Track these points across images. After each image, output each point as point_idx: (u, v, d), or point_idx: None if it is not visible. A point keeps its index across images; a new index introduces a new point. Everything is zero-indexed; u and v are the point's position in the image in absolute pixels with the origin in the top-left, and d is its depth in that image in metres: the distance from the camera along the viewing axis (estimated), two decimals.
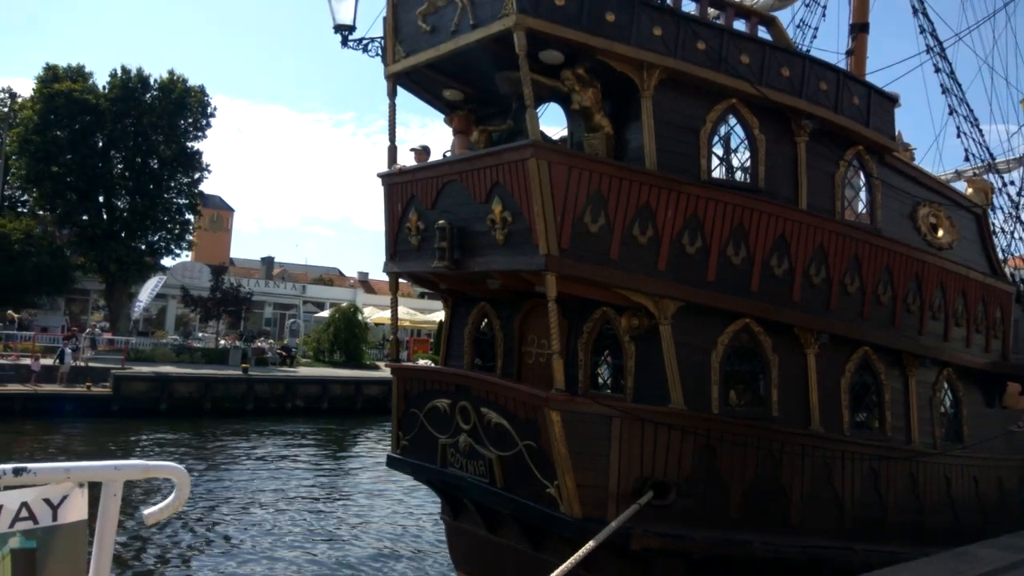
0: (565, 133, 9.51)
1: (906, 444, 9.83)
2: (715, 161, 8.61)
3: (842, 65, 11.42)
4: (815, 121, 8.89)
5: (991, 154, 13.43)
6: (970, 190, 11.89)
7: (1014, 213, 14.41)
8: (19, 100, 40.94)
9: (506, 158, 7.71)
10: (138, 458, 20.60)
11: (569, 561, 7.05)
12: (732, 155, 8.79)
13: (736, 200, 8.32)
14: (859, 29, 12.14)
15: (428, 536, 14.40)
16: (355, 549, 13.52)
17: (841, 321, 9.12)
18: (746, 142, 8.73)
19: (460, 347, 10.30)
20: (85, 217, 37.61)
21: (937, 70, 12.41)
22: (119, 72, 37.96)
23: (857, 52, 12.05)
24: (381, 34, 9.00)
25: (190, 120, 39.55)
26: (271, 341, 42.03)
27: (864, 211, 9.83)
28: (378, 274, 53.43)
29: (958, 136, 12.74)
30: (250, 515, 15.32)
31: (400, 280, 9.94)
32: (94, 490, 2.61)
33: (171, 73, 38.97)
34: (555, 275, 7.45)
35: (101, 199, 38.09)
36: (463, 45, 7.97)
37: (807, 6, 14.20)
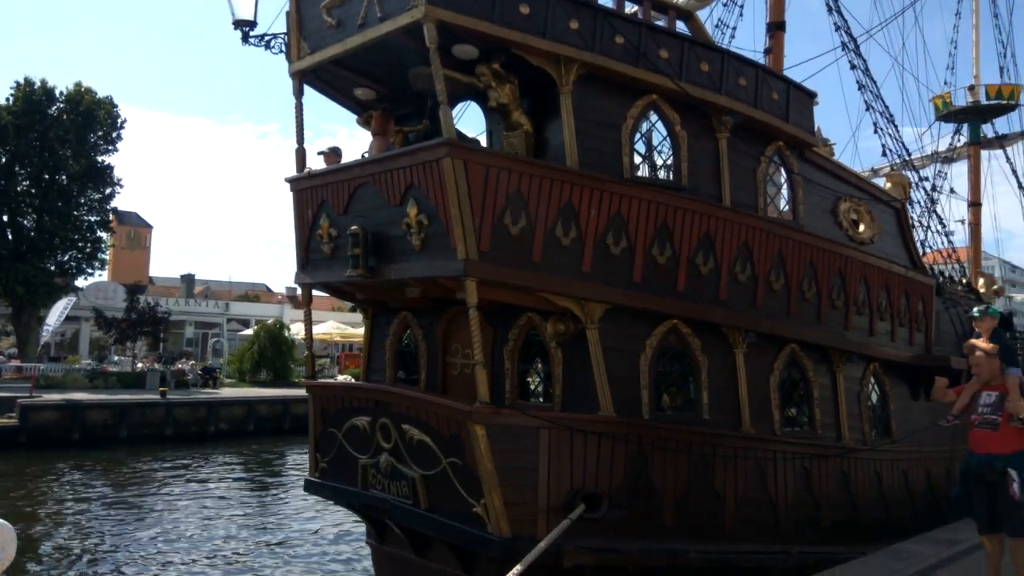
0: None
1: (836, 441, 9.80)
2: (637, 159, 8.38)
3: None
4: (735, 117, 8.77)
5: (907, 150, 13.73)
6: (888, 185, 12.05)
7: (929, 207, 14.79)
8: None
9: (420, 158, 7.30)
10: (46, 494, 19.31)
11: None
12: (654, 152, 8.59)
13: (660, 198, 8.11)
14: (776, 28, 12.21)
15: (361, 563, 13.74)
16: None
17: (768, 319, 9.02)
18: (668, 139, 8.54)
19: (382, 360, 9.81)
20: None
21: (853, 67, 12.60)
22: (22, 83, 35.97)
23: (775, 50, 12.12)
24: (285, 29, 8.48)
25: (100, 133, 37.66)
26: (192, 362, 40.33)
27: (786, 207, 9.78)
28: None
29: (875, 132, 12.95)
30: (165, 549, 14.35)
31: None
32: None
33: (78, 85, 37.13)
34: (475, 280, 7.06)
35: (6, 218, 35.87)
36: (371, 39, 7.53)
37: (725, 5, 14.30)
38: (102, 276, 44.90)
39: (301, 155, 8.89)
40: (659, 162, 8.60)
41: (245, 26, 8.48)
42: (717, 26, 14.06)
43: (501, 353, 8.37)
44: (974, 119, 23.98)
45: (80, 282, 40.89)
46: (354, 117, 9.41)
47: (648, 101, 8.31)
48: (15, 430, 25.23)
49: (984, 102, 23.43)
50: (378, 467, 8.23)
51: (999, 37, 24.18)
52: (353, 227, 7.85)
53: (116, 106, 38.29)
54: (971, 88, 23.81)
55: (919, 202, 14.40)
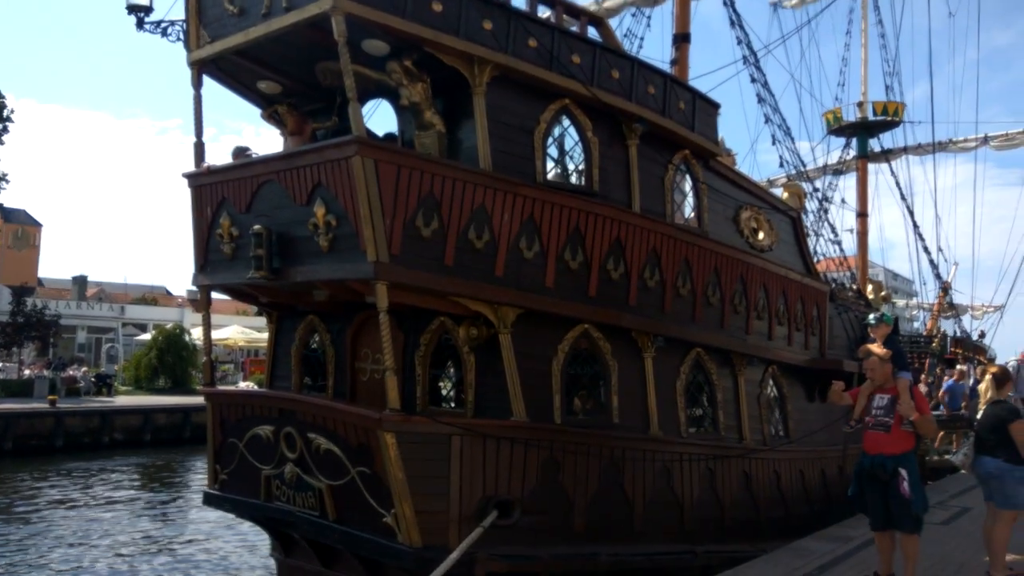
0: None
1: (738, 442, 10.09)
2: (550, 163, 8.39)
3: None
4: (645, 124, 8.91)
5: (802, 162, 14.34)
6: (786, 195, 12.55)
7: (822, 216, 15.50)
8: None
9: (328, 156, 7.05)
10: None
11: None
12: (567, 157, 8.62)
13: (572, 203, 8.13)
14: (681, 39, 12.54)
15: None
16: None
17: (675, 323, 9.19)
18: (580, 144, 8.58)
19: (287, 366, 9.44)
20: None
21: (753, 80, 13.07)
22: None
23: (680, 61, 12.43)
24: (183, 16, 8.04)
25: None
26: (85, 368, 38.05)
27: (691, 215, 10.01)
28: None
29: (773, 143, 13.47)
30: (55, 569, 13.39)
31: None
32: None
33: None
34: (386, 284, 6.87)
35: None
36: (276, 30, 7.22)
37: (633, 16, 14.58)
38: None
39: (199, 149, 8.45)
40: (571, 167, 8.64)
41: (140, 11, 8.02)
42: (626, 35, 14.33)
43: (412, 358, 8.20)
44: (862, 134, 25.42)
45: None
46: (259, 113, 9.05)
47: (561, 105, 8.33)
48: None
49: (871, 118, 24.87)
50: (282, 478, 7.91)
51: (886, 57, 25.72)
52: (256, 227, 7.51)
53: (3, 96, 35.74)
54: (860, 104, 25.23)
55: (813, 212, 15.08)
